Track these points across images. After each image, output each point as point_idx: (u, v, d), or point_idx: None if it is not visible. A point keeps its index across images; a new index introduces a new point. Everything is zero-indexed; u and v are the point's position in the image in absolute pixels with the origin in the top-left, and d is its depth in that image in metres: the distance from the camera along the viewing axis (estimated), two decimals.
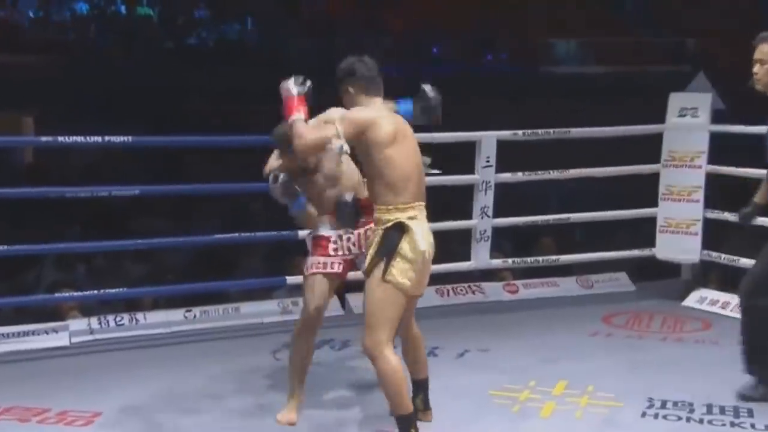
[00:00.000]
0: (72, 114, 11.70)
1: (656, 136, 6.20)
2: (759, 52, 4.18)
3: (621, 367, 4.79)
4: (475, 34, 16.95)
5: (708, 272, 6.41)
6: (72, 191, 5.19)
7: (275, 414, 4.03)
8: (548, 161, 6.05)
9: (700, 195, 6.04)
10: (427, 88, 3.77)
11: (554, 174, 6.05)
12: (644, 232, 6.44)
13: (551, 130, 5.98)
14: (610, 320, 5.70)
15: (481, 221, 5.87)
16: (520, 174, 5.97)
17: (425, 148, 3.82)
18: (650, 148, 6.29)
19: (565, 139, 6.03)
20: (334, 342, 5.12)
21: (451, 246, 6.07)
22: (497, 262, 6.09)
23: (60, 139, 5.02)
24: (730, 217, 6.00)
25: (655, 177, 6.22)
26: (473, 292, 6.12)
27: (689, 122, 6.06)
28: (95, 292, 5.41)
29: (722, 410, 4.17)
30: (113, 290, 5.39)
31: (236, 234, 5.68)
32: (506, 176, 5.92)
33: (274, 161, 4.08)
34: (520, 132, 5.90)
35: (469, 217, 5.90)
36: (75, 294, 5.56)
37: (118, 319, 5.30)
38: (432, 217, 3.72)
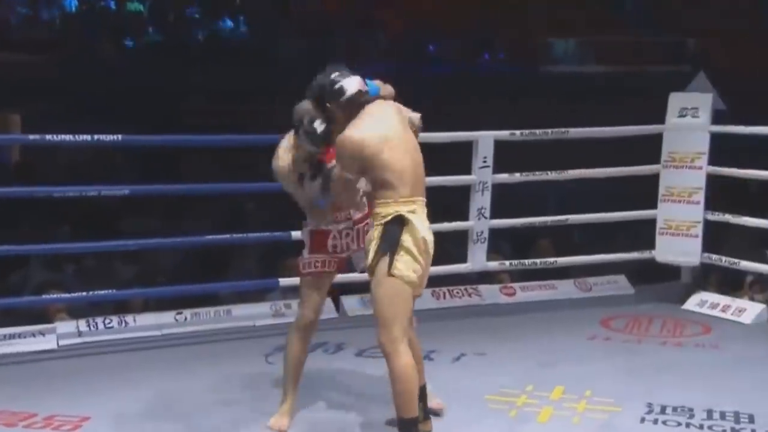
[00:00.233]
0: (60, 111, 11.65)
1: (656, 136, 6.16)
2: None
3: (620, 372, 4.77)
4: (474, 34, 16.95)
5: (708, 275, 6.37)
6: (60, 191, 5.14)
7: (267, 419, 3.98)
8: (546, 162, 6.01)
9: (700, 196, 5.99)
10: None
11: (552, 175, 6.02)
12: (644, 234, 6.40)
13: (549, 131, 5.95)
14: (608, 324, 5.67)
15: (478, 222, 5.83)
16: (517, 175, 5.93)
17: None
18: (650, 149, 6.25)
19: (564, 140, 6.00)
20: (328, 345, 5.09)
21: (447, 248, 6.02)
22: (494, 265, 6.06)
23: (48, 137, 4.97)
24: (730, 219, 5.97)
25: (654, 178, 6.18)
26: (470, 295, 6.08)
27: (689, 122, 6.03)
28: (84, 293, 5.36)
29: (722, 416, 4.14)
30: (102, 292, 5.33)
31: (229, 235, 5.65)
32: (503, 177, 5.88)
33: (285, 153, 3.90)
34: (517, 132, 5.87)
35: (465, 218, 5.86)
36: (63, 295, 5.51)
37: (107, 321, 5.26)
38: (428, 218, 3.67)
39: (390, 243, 3.49)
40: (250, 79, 13.55)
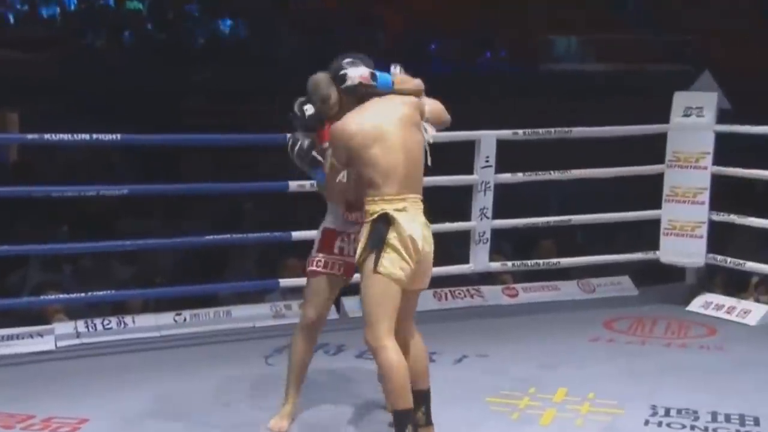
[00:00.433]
0: (59, 110, 11.62)
1: (660, 136, 6.13)
2: None
3: (623, 374, 4.74)
4: (474, 33, 16.96)
5: (713, 276, 6.35)
6: (59, 190, 5.11)
7: (267, 420, 3.96)
8: (549, 161, 5.98)
9: (705, 197, 5.97)
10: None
11: (555, 174, 5.99)
12: (648, 234, 6.37)
13: (552, 130, 5.93)
14: (612, 325, 5.64)
15: (480, 223, 5.80)
16: (520, 174, 5.91)
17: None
18: (651, 148, 6.23)
19: (567, 139, 5.98)
20: (329, 346, 5.05)
21: (449, 248, 6.00)
22: (496, 265, 6.04)
23: (46, 136, 4.94)
24: (736, 219, 5.94)
25: (659, 178, 6.15)
26: (472, 296, 6.05)
27: (694, 122, 6.00)
28: (82, 294, 5.35)
29: (728, 418, 4.11)
30: (101, 293, 5.31)
31: (228, 235, 5.62)
32: (506, 177, 5.85)
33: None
34: (520, 131, 5.84)
35: (467, 218, 5.83)
36: (61, 296, 5.48)
37: (105, 322, 5.23)
38: (430, 218, 3.66)
39: (376, 241, 3.50)
40: (249, 78, 13.53)
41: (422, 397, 3.77)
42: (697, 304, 5.97)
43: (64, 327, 5.16)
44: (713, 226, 6.01)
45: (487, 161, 5.73)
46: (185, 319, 5.36)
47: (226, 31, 17.43)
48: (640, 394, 4.36)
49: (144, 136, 5.77)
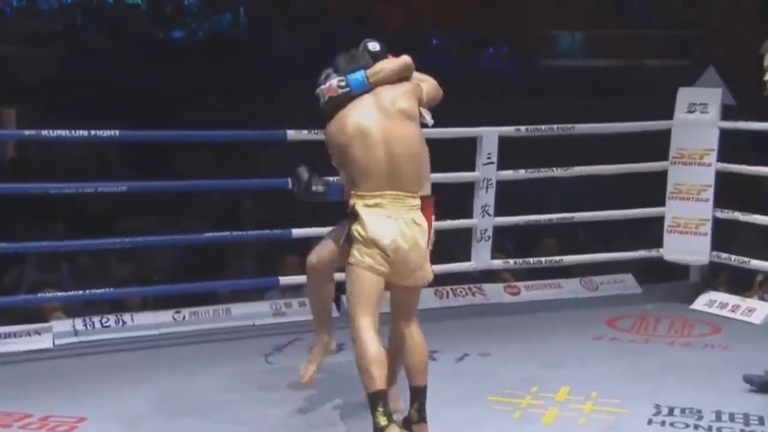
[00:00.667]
0: (56, 106, 11.60)
1: (664, 132, 6.10)
2: None
3: (626, 373, 4.73)
4: (475, 32, 17.00)
5: (717, 274, 6.33)
6: (56, 187, 5.10)
7: (267, 419, 3.98)
8: (551, 158, 5.95)
9: (709, 194, 5.94)
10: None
11: (558, 171, 5.98)
12: (651, 232, 6.37)
13: (554, 126, 5.90)
14: (615, 324, 5.62)
15: (482, 220, 5.78)
16: (522, 171, 5.88)
17: None
18: (652, 145, 6.20)
19: (569, 136, 5.94)
20: None
21: (450, 246, 5.99)
22: (498, 263, 6.01)
23: (44, 132, 4.94)
24: (740, 216, 5.90)
25: (662, 175, 6.12)
26: (473, 294, 6.03)
27: (698, 118, 5.97)
28: (80, 292, 5.32)
29: (732, 417, 4.10)
30: (99, 290, 5.30)
31: (227, 233, 5.62)
32: (508, 174, 5.83)
33: None
34: (522, 128, 5.83)
35: (469, 215, 5.81)
36: (59, 294, 5.48)
37: (103, 320, 5.21)
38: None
39: (347, 234, 3.61)
40: (249, 77, 13.52)
41: (416, 393, 3.74)
42: (701, 303, 5.95)
43: (62, 325, 5.14)
44: (717, 223, 5.98)
45: (489, 158, 5.71)
46: (184, 317, 5.34)
47: (225, 24, 17.46)
48: (644, 393, 4.34)
49: (142, 132, 5.75)
